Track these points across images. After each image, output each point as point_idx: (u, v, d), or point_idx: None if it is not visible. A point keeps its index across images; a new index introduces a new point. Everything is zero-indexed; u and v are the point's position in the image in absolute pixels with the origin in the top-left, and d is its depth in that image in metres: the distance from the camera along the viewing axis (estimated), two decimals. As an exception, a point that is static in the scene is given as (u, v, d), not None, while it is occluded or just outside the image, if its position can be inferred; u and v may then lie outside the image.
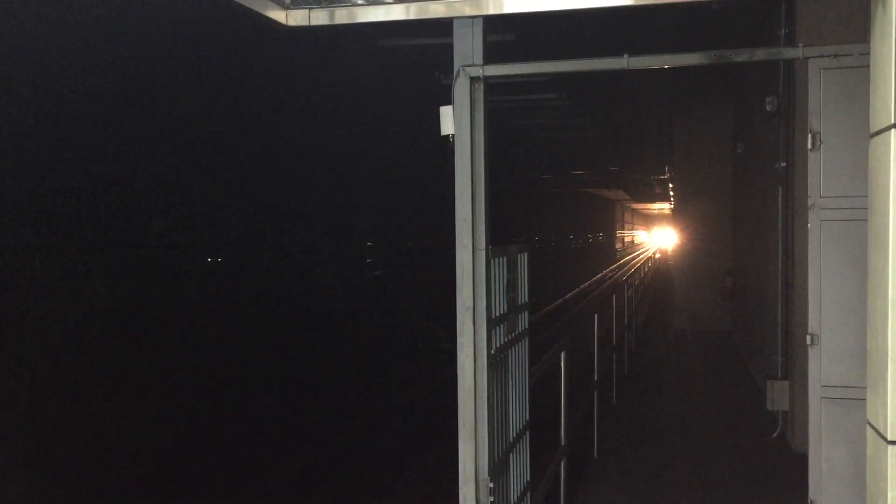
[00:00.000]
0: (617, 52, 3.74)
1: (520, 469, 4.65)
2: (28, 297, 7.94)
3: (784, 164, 7.35)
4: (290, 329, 11.54)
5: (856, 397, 3.83)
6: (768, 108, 7.60)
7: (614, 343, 9.32)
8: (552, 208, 30.00)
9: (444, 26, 3.92)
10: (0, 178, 7.39)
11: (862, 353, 2.63)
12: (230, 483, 8.60)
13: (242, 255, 11.11)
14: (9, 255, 7.64)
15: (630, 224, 70.61)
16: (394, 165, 14.82)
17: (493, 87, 4.10)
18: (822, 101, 3.89)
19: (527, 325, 4.75)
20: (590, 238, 42.34)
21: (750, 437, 7.73)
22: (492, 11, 3.38)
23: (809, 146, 3.96)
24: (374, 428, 10.59)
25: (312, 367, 11.79)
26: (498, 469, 4.12)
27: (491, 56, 3.89)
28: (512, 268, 4.39)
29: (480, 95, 3.87)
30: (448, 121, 3.86)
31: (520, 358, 4.61)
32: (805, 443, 4.28)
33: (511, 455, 4.45)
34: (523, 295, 4.66)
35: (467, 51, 3.85)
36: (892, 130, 2.33)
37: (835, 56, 3.67)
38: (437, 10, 3.41)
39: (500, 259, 4.16)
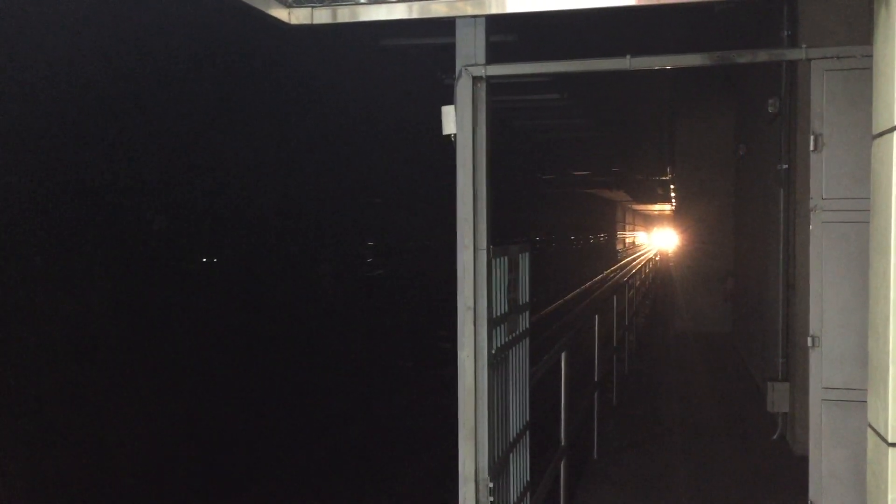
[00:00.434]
0: (619, 53, 3.74)
1: (520, 469, 4.65)
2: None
3: (786, 166, 7.35)
4: (288, 328, 11.53)
5: (856, 399, 3.82)
6: (770, 109, 7.60)
7: (615, 344, 9.31)
8: (553, 209, 29.98)
9: (446, 26, 3.92)
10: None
11: (863, 355, 2.63)
12: (231, 484, 8.60)
13: (240, 254, 11.10)
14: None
15: (631, 225, 70.60)
16: (395, 165, 14.81)
17: (496, 88, 4.09)
18: (825, 102, 3.88)
19: (527, 326, 4.74)
20: (591, 239, 42.31)
21: (750, 438, 7.73)
22: (494, 11, 3.38)
23: (811, 148, 3.96)
24: (375, 428, 10.59)
25: (312, 366, 11.79)
26: (498, 469, 4.12)
27: (493, 56, 3.89)
28: (513, 268, 4.39)
29: (482, 95, 3.87)
30: (450, 120, 3.86)
31: (520, 358, 4.61)
32: (805, 445, 4.28)
33: (511, 455, 4.44)
34: (524, 295, 4.65)
35: (469, 50, 3.85)
36: (895, 132, 2.33)
37: (837, 58, 3.66)
38: (439, 10, 3.41)
39: (502, 259, 4.16)
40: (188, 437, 8.99)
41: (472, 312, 3.89)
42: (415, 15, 3.41)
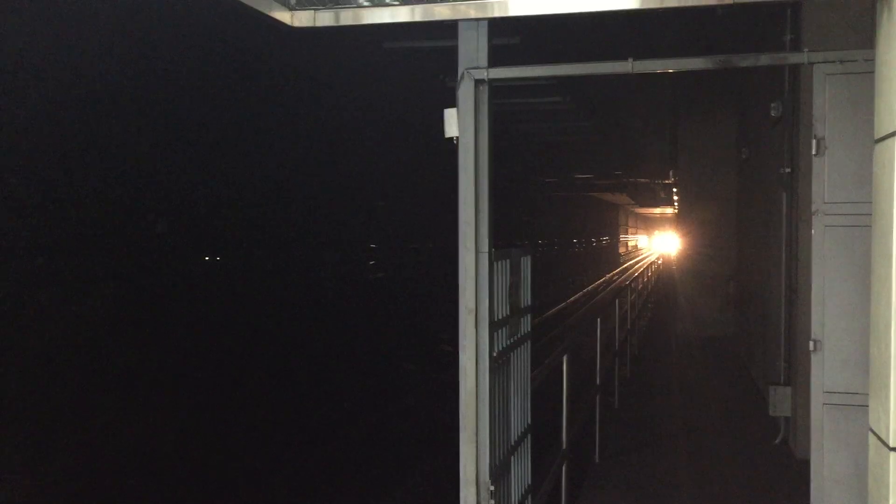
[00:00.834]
0: (622, 56, 3.74)
1: (521, 472, 4.65)
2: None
3: (789, 170, 7.34)
4: (288, 331, 11.54)
5: (858, 404, 3.81)
6: (773, 113, 7.59)
7: (617, 347, 9.30)
8: (555, 212, 29.97)
9: (449, 29, 3.92)
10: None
11: (865, 359, 2.63)
12: (230, 486, 8.60)
13: (244, 254, 11.11)
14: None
15: (634, 228, 70.55)
16: (397, 167, 14.82)
17: (498, 90, 4.10)
18: (827, 106, 3.88)
19: (529, 329, 4.74)
20: (593, 242, 42.29)
21: (752, 442, 7.71)
22: (497, 14, 3.38)
23: (813, 152, 3.95)
24: (377, 430, 10.58)
25: (314, 367, 11.79)
26: (499, 472, 4.12)
27: (495, 59, 3.89)
28: (515, 271, 4.39)
29: (485, 98, 3.87)
30: (452, 123, 3.86)
31: (522, 361, 4.61)
32: (807, 449, 4.27)
33: (512, 458, 4.44)
34: (526, 298, 4.65)
35: (472, 53, 3.85)
36: (897, 136, 2.33)
37: (840, 62, 3.66)
38: (442, 13, 3.41)
39: (503, 262, 4.16)
40: (188, 438, 9.01)
41: (473, 315, 3.89)
42: (417, 18, 3.42)
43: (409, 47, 10.00)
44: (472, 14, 3.42)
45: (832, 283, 3.97)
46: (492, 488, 3.97)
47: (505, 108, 13.60)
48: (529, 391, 4.73)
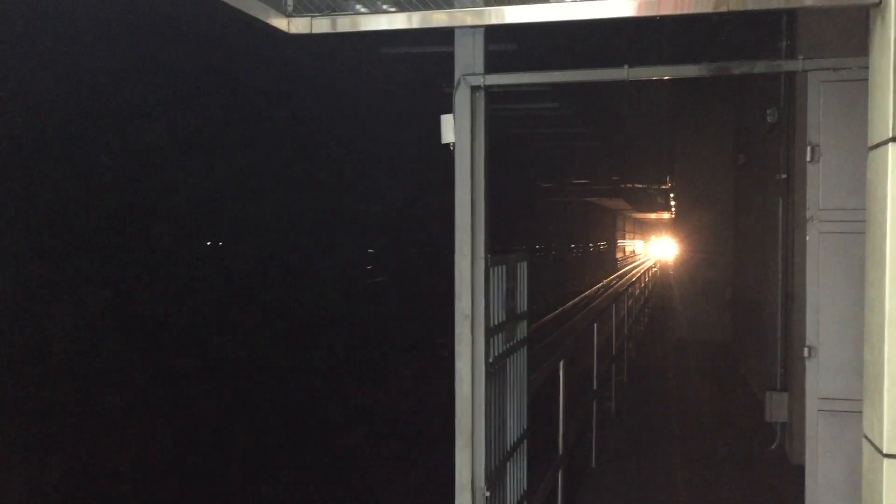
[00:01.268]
0: (618, 63, 3.75)
1: (517, 478, 4.65)
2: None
3: (784, 176, 7.36)
4: (282, 336, 11.54)
5: (853, 410, 3.82)
6: (769, 119, 7.61)
7: (614, 352, 9.31)
8: (553, 217, 30.00)
9: (446, 35, 3.94)
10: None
11: (859, 365, 2.63)
12: (225, 491, 8.59)
13: (238, 259, 11.11)
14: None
15: (631, 234, 70.58)
16: (395, 173, 14.83)
17: (495, 97, 4.11)
18: (822, 113, 3.90)
19: (526, 334, 4.75)
20: (591, 247, 42.31)
21: (748, 448, 7.72)
22: (493, 21, 3.39)
23: (808, 158, 3.97)
24: (372, 435, 10.58)
25: (309, 373, 11.78)
26: (495, 477, 4.12)
27: (493, 65, 3.91)
28: (511, 276, 4.40)
29: (481, 104, 3.88)
30: (449, 129, 3.87)
31: (518, 367, 4.61)
32: (803, 455, 4.28)
33: (508, 464, 4.44)
34: (522, 304, 4.66)
35: (468, 60, 3.86)
36: (890, 144, 2.34)
37: (834, 69, 3.68)
38: (439, 20, 3.43)
39: (500, 268, 4.16)
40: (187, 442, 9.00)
41: (469, 321, 3.90)
42: (414, 25, 3.43)
43: (408, 53, 10.02)
44: (469, 21, 3.44)
45: (827, 290, 3.99)
46: (487, 494, 3.97)
47: (502, 113, 13.62)
48: (526, 397, 4.73)
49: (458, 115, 3.86)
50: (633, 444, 7.93)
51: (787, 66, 4.00)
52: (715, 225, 14.85)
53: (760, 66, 3.81)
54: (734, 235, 14.02)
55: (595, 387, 7.44)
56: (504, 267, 4.23)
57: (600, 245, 46.72)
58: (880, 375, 2.37)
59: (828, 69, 3.71)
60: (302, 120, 11.73)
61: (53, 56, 7.60)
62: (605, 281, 39.78)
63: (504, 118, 14.21)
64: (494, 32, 3.91)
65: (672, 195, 21.10)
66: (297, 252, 12.60)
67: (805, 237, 4.11)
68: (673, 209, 22.03)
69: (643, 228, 74.62)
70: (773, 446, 7.59)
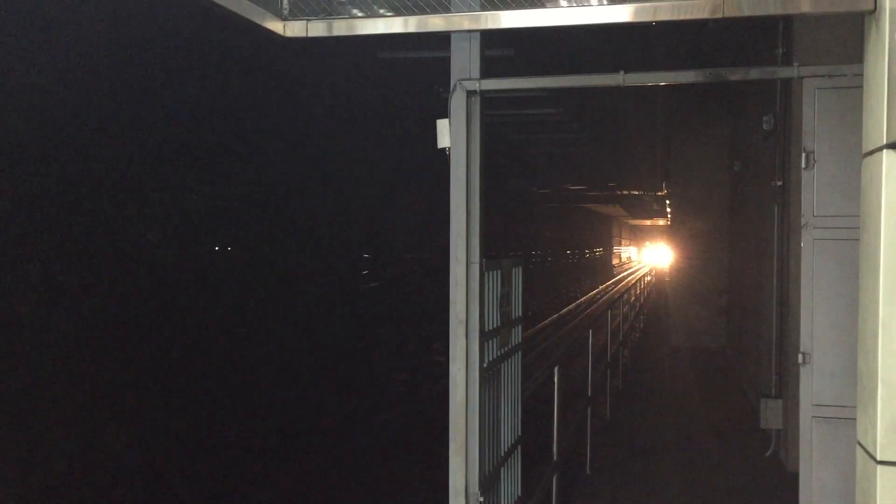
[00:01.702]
0: (614, 69, 3.76)
1: (511, 483, 4.64)
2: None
3: (780, 183, 7.37)
4: (277, 339, 11.51)
5: (847, 416, 3.82)
6: (765, 126, 7.63)
7: (609, 358, 9.31)
8: (547, 223, 30.02)
9: (443, 40, 3.94)
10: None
11: (853, 372, 2.64)
12: (221, 495, 8.56)
13: (236, 265, 11.10)
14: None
15: (627, 240, 70.66)
16: (390, 176, 14.83)
17: (492, 102, 4.11)
18: (817, 120, 3.91)
19: (520, 340, 4.74)
20: (586, 253, 42.33)
21: (743, 455, 7.71)
22: (489, 26, 3.40)
23: (803, 165, 3.98)
24: (366, 441, 10.56)
25: (305, 378, 11.77)
26: (488, 483, 4.11)
27: (490, 71, 3.91)
28: (506, 281, 4.39)
29: (477, 109, 3.89)
30: (445, 134, 3.88)
31: (512, 372, 4.61)
32: (798, 462, 4.27)
33: (502, 469, 4.43)
34: (517, 309, 4.66)
35: (464, 65, 3.87)
36: (885, 150, 2.35)
37: (829, 76, 3.69)
38: (435, 24, 3.43)
39: (494, 272, 4.16)
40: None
41: (463, 326, 3.89)
42: (411, 29, 3.43)
43: (405, 58, 10.03)
44: (466, 25, 3.44)
45: (821, 296, 3.99)
46: (481, 499, 3.96)
47: (498, 119, 13.64)
48: (520, 402, 4.73)
49: (453, 119, 3.86)
50: (628, 450, 7.92)
51: (783, 72, 4.01)
52: (711, 231, 14.87)
53: (755, 73, 3.82)
54: (729, 242, 14.03)
55: (589, 392, 7.43)
56: (499, 272, 4.23)
57: (596, 251, 46.75)
58: (873, 382, 2.37)
59: (823, 76, 3.72)
60: (294, 125, 11.74)
61: (53, 58, 7.60)
62: (600, 287, 39.79)
63: (500, 123, 14.23)
64: (491, 38, 3.92)
65: (668, 202, 21.13)
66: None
67: (800, 243, 4.11)
68: (669, 215, 22.06)
69: (639, 235, 74.73)
70: (768, 453, 7.58)
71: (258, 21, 3.29)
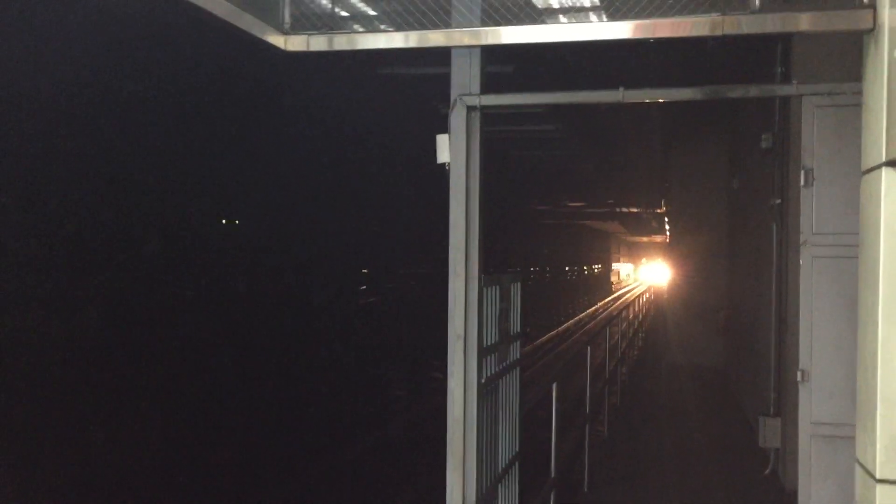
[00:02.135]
0: (613, 85, 3.77)
1: (508, 500, 4.61)
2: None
3: (779, 201, 7.37)
4: (278, 354, 11.49)
5: (846, 435, 3.80)
6: (764, 144, 7.63)
7: (607, 375, 9.28)
8: (547, 239, 30.03)
9: (443, 55, 3.95)
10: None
11: (852, 390, 2.63)
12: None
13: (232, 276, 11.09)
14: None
15: (626, 257, 70.66)
16: (390, 192, 14.85)
17: (492, 118, 4.12)
18: (816, 138, 3.92)
19: (518, 356, 4.73)
20: (585, 270, 42.33)
21: (741, 473, 7.67)
22: (490, 42, 3.40)
23: (802, 183, 3.98)
24: (363, 456, 10.51)
25: (300, 392, 11.73)
26: (486, 500, 4.08)
27: (490, 87, 3.92)
28: (505, 297, 4.39)
29: (476, 125, 3.89)
30: (444, 149, 3.88)
31: (511, 388, 4.59)
32: (796, 480, 4.25)
33: (500, 486, 4.41)
34: (516, 325, 4.64)
35: (464, 80, 3.88)
36: (883, 168, 2.35)
37: (828, 94, 3.70)
38: (436, 40, 3.44)
39: (493, 288, 4.15)
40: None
41: (462, 341, 3.88)
42: (411, 44, 3.44)
43: (405, 73, 10.06)
44: (466, 41, 3.45)
45: (820, 314, 3.98)
46: (478, 516, 3.93)
47: (497, 135, 13.65)
48: (518, 418, 4.71)
49: (453, 135, 3.87)
50: (626, 467, 7.89)
51: (782, 90, 4.03)
52: (709, 249, 14.85)
53: (754, 91, 3.84)
54: (728, 259, 14.02)
55: (588, 410, 7.40)
56: (497, 287, 4.22)
57: (594, 268, 46.73)
58: (873, 400, 2.36)
59: (822, 94, 3.73)
60: (296, 138, 11.77)
61: (54, 61, 7.65)
62: (598, 304, 39.75)
63: (500, 139, 14.26)
64: (491, 54, 3.93)
65: (667, 219, 21.14)
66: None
67: (799, 261, 4.11)
68: (668, 233, 22.06)
69: (638, 252, 74.71)
70: (767, 471, 7.55)
71: (259, 35, 3.29)
